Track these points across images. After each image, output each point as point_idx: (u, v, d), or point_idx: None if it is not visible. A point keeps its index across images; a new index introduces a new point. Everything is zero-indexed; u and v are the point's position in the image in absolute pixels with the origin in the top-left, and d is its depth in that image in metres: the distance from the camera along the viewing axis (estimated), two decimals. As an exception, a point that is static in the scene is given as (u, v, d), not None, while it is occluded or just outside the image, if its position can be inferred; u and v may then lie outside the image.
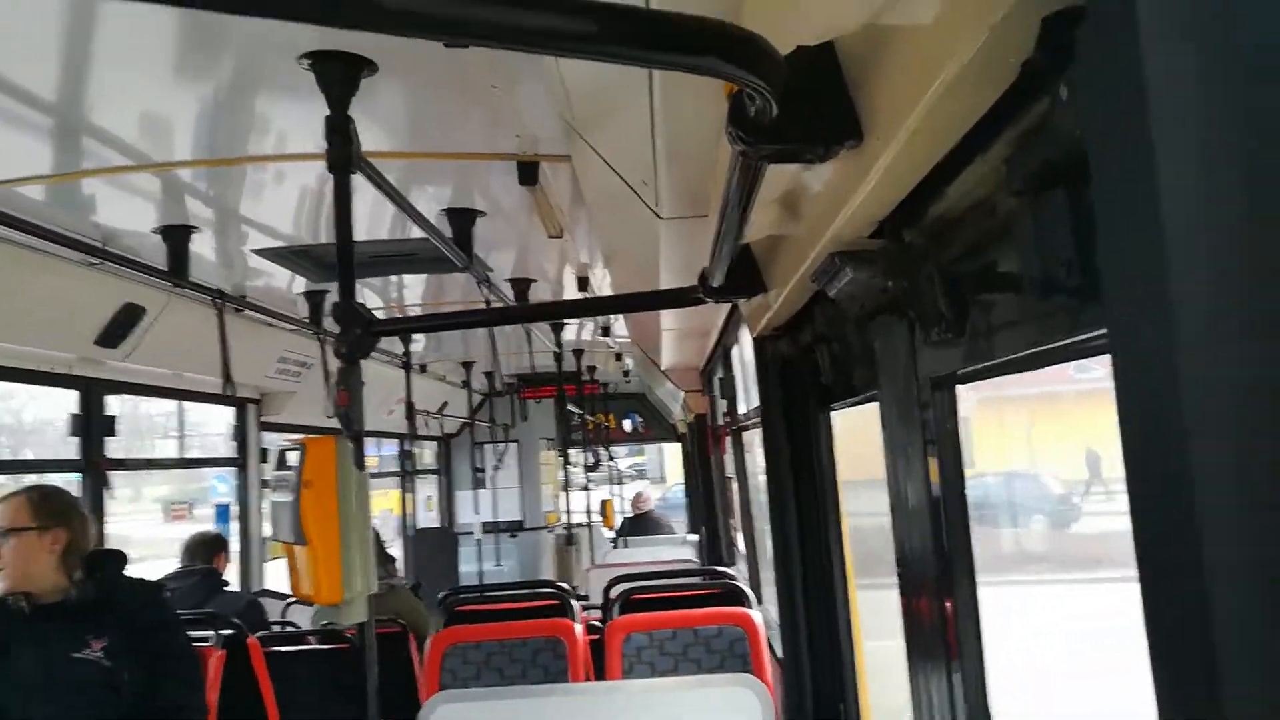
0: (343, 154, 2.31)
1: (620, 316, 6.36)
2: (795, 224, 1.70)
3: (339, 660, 4.61)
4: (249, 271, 4.49)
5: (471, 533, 9.54)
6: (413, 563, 7.54)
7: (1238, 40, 0.57)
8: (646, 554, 7.50)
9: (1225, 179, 0.55)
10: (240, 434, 6.23)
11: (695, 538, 9.63)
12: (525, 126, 2.79)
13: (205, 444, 6.95)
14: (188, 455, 6.06)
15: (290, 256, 4.21)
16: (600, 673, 4.14)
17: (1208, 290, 0.55)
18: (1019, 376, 1.21)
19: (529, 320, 5.32)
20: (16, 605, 3.03)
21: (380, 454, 9.09)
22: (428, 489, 10.99)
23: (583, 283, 4.89)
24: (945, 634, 1.57)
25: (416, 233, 3.93)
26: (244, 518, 6.26)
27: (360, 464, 2.44)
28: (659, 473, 20.84)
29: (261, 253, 4.11)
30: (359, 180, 2.45)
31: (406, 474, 8.80)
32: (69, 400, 4.66)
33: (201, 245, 3.85)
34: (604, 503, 10.99)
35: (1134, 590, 0.66)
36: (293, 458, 2.40)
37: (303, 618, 5.56)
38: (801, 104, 1.05)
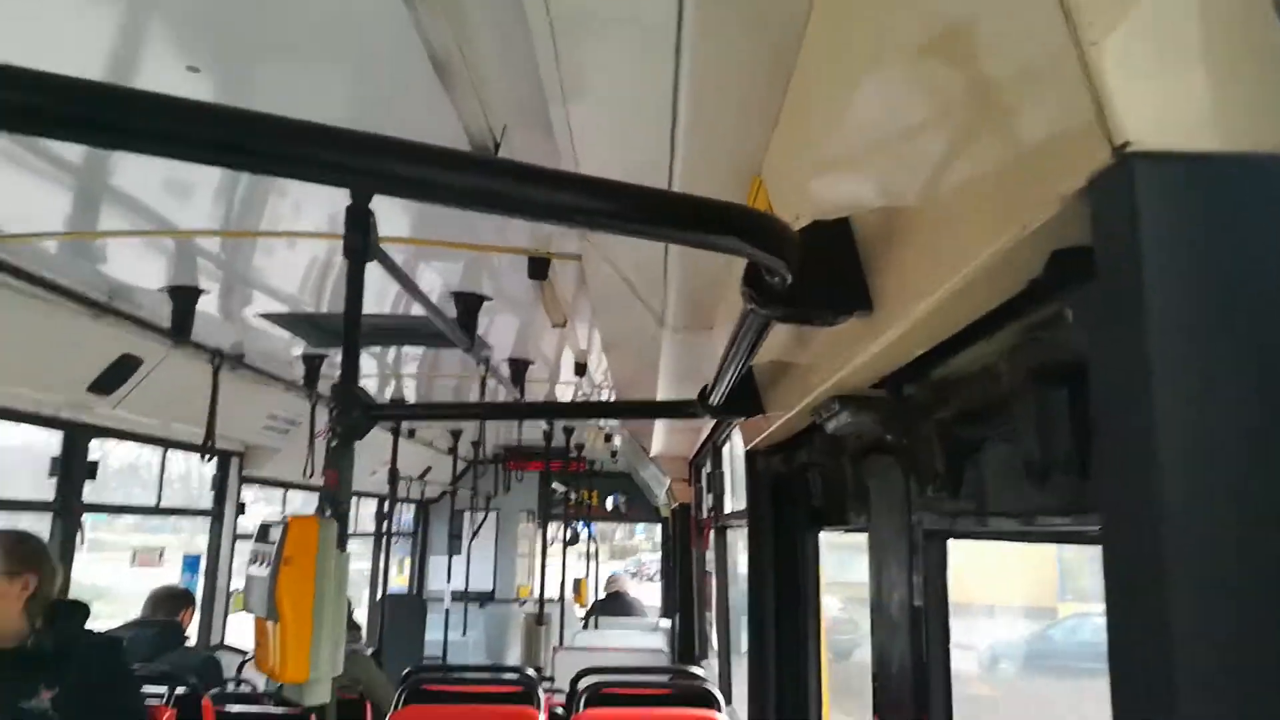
0: (360, 243, 2.36)
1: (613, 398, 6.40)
2: (800, 360, 1.74)
3: (293, 726, 4.51)
4: (249, 332, 4.53)
5: (441, 600, 9.40)
6: (379, 628, 7.41)
7: (1234, 286, 0.62)
8: (617, 637, 7.39)
9: (1221, 404, 0.59)
10: (220, 485, 6.19)
11: (667, 623, 9.50)
12: (540, 226, 2.86)
13: (178, 492, 6.89)
14: (164, 504, 5.98)
15: (293, 322, 4.25)
16: (563, 764, 4.06)
17: (1199, 500, 0.59)
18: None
19: (526, 418, 5.35)
20: None
21: (357, 514, 9.00)
22: (400, 552, 10.86)
23: (580, 368, 4.94)
24: None
25: (419, 311, 4.00)
26: (212, 569, 6.17)
27: (343, 545, 2.43)
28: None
29: (265, 317, 4.15)
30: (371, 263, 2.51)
31: (383, 535, 8.70)
32: (42, 438, 4.64)
33: (206, 305, 3.88)
34: (577, 580, 10.86)
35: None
36: (274, 532, 2.39)
37: (259, 677, 5.44)
38: (815, 274, 1.10)
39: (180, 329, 3.74)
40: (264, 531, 2.48)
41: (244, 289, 3.85)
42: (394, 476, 6.76)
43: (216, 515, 6.22)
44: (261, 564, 2.43)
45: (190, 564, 6.28)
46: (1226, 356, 0.61)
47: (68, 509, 4.61)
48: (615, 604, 9.83)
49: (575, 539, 10.23)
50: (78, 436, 4.64)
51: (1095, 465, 0.68)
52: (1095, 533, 0.99)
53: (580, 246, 2.88)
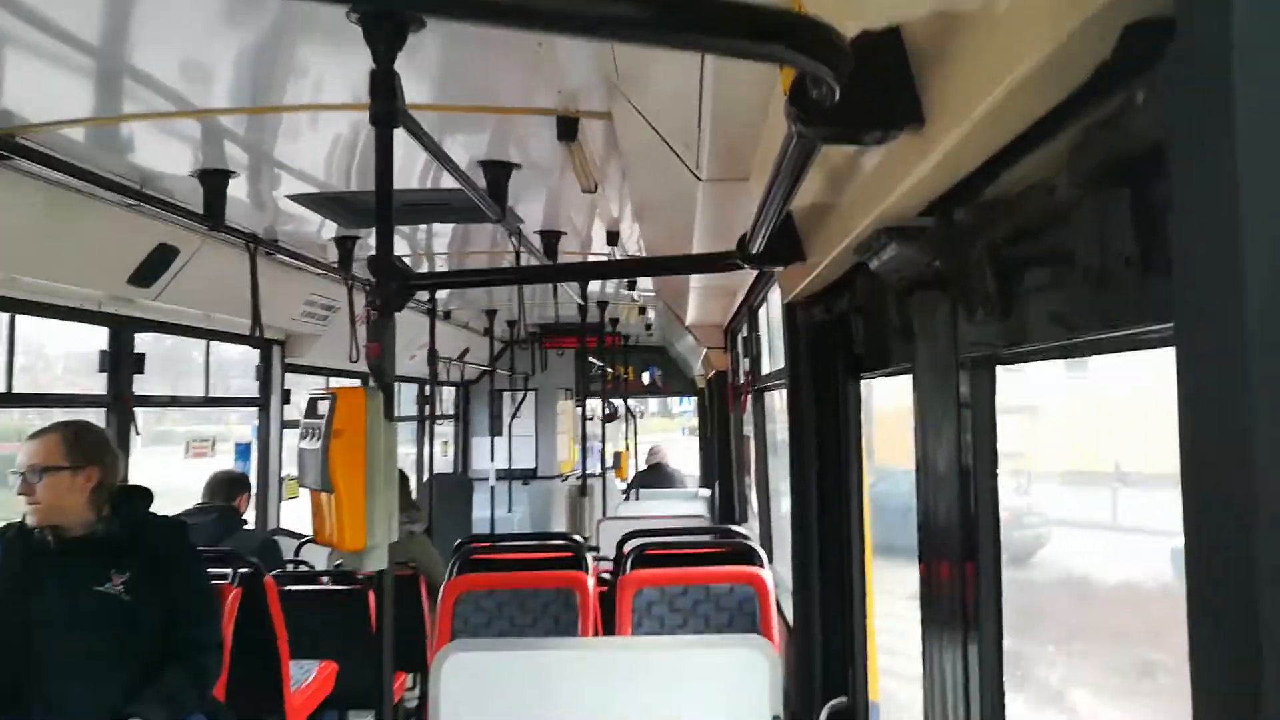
0: (386, 109, 2.31)
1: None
2: (843, 197, 1.70)
3: (350, 601, 4.72)
4: (280, 216, 4.52)
5: (486, 479, 9.66)
6: (427, 507, 7.66)
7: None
8: (659, 507, 7.58)
9: None
10: (264, 374, 6.31)
11: (707, 492, 9.72)
12: (567, 83, 2.78)
13: (227, 386, 7.05)
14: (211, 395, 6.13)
15: (323, 202, 4.23)
16: (610, 625, 4.22)
17: None
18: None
19: (561, 279, 5.34)
20: (42, 539, 3.12)
21: (399, 399, 9.19)
22: (444, 434, 11.12)
23: (612, 237, 4.90)
24: (964, 608, 1.59)
25: (450, 183, 3.95)
26: (263, 457, 6.37)
27: (390, 415, 2.47)
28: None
29: (295, 198, 4.13)
30: (397, 130, 2.46)
31: (425, 419, 8.90)
32: (92, 336, 4.73)
33: (236, 189, 3.87)
34: (618, 454, 11.09)
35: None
36: (323, 406, 2.44)
37: (316, 557, 5.68)
38: (864, 88, 1.05)
39: (213, 214, 3.74)
40: (313, 406, 2.54)
41: (272, 170, 3.82)
42: (433, 358, 6.84)
43: (263, 404, 6.37)
44: (312, 439, 2.49)
45: (242, 451, 6.48)
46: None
47: (119, 402, 4.73)
48: (655, 476, 10.05)
49: (614, 415, 10.39)
50: (122, 330, 4.73)
51: (1174, 258, 0.64)
52: (1158, 339, 0.97)
53: (609, 103, 2.81)
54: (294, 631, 4.12)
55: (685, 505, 8.03)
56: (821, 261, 2.05)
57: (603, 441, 8.72)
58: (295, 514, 6.66)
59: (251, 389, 6.42)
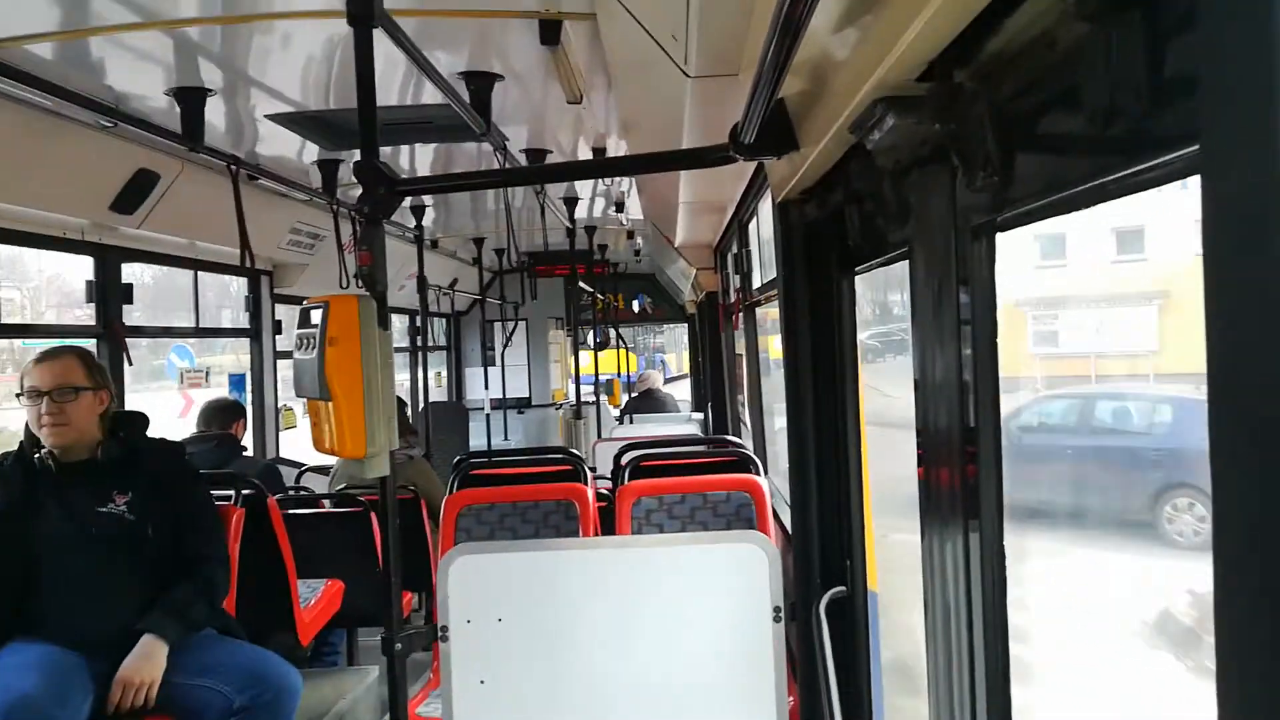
0: (364, 7, 2.25)
1: (635, 193, 6.30)
2: (835, 74, 1.67)
3: (353, 522, 4.78)
4: (261, 139, 4.44)
5: (481, 408, 9.70)
6: (425, 435, 7.71)
7: None
8: (653, 430, 7.65)
9: None
10: (254, 304, 6.28)
11: (700, 416, 9.78)
12: (549, -18, 2.71)
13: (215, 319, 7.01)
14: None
15: (304, 122, 4.15)
16: (610, 535, 4.28)
17: None
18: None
19: (554, 180, 5.28)
20: (43, 463, 3.13)
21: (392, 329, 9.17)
22: (437, 365, 11.13)
23: (598, 153, 4.83)
24: (965, 502, 1.59)
25: (430, 98, 3.87)
26: (258, 387, 6.37)
27: (384, 323, 2.47)
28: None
29: (274, 118, 4.05)
30: (376, 43, 2.40)
31: (418, 349, 8.89)
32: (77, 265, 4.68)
33: (214, 112, 3.79)
34: (609, 380, 11.13)
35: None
36: (316, 315, 2.43)
37: (317, 485, 5.73)
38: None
39: (192, 135, 3.67)
40: (305, 315, 2.52)
41: (250, 88, 3.74)
42: (422, 285, 6.82)
43: (255, 334, 6.35)
44: (307, 349, 2.49)
45: (236, 382, 6.47)
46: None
47: (110, 332, 4.71)
48: (648, 401, 10.12)
49: (605, 343, 10.38)
50: (108, 259, 4.68)
51: (1201, 71, 0.61)
52: (1172, 171, 0.96)
53: (593, 2, 2.74)
54: (299, 554, 4.18)
55: (679, 427, 8.11)
56: (815, 149, 2.02)
57: (595, 368, 8.74)
58: (293, 445, 6.70)
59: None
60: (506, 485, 4.38)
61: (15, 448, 3.23)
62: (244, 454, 5.33)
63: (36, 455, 3.15)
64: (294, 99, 3.88)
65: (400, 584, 2.49)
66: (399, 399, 5.86)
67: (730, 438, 5.83)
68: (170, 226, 4.74)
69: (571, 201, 6.48)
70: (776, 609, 2.43)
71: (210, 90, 3.61)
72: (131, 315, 4.89)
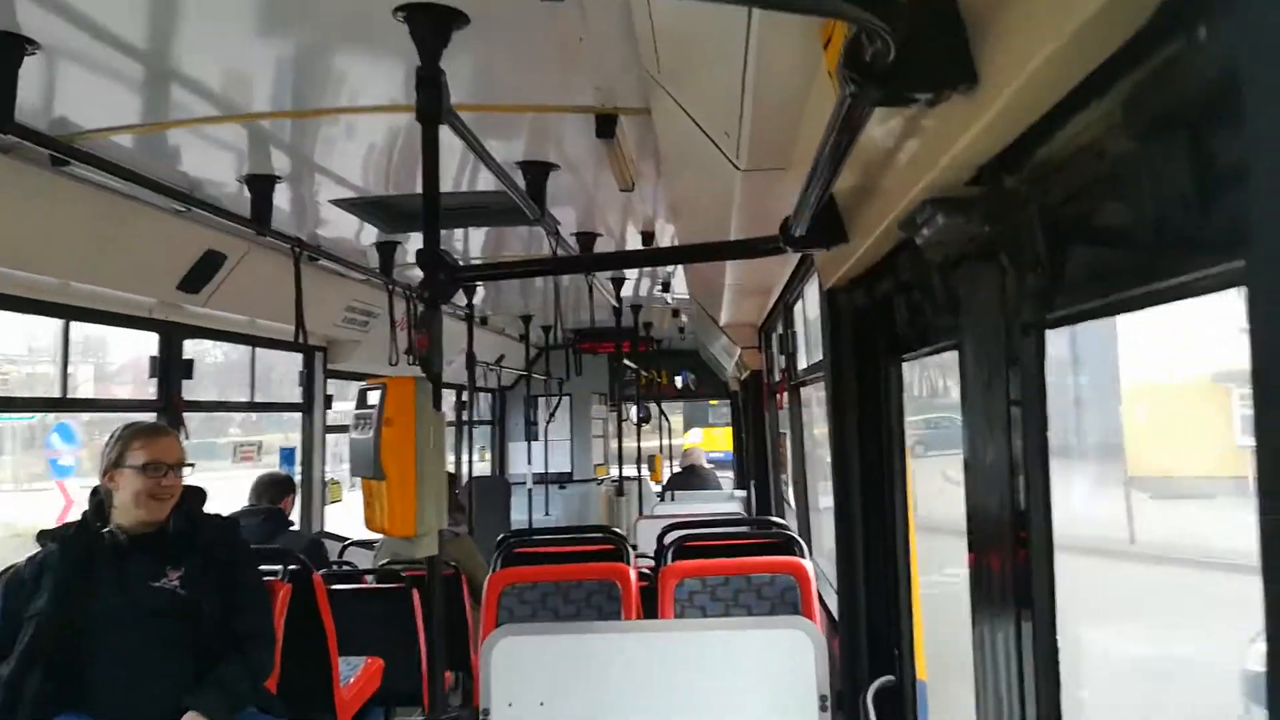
0: (433, 105, 2.37)
1: (680, 273, 6.40)
2: (886, 173, 1.73)
3: (395, 599, 4.78)
4: (323, 222, 4.62)
5: (524, 482, 9.73)
6: (469, 510, 7.75)
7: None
8: (695, 507, 7.60)
9: None
10: (308, 380, 6.42)
11: (743, 493, 9.71)
12: (605, 79, 2.83)
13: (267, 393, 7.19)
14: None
15: (365, 206, 4.32)
16: (652, 616, 4.24)
17: None
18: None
19: (606, 269, 5.41)
20: (113, 536, 3.20)
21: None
22: (481, 439, 11.22)
23: (647, 237, 4.94)
24: (1016, 592, 1.58)
25: (486, 185, 4.02)
26: (307, 461, 6.47)
27: (438, 405, 2.53)
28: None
29: (338, 203, 4.22)
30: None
31: (464, 424, 8.98)
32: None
33: (280, 196, 3.97)
34: (652, 457, 11.12)
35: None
36: (373, 396, 2.50)
37: (361, 560, 5.77)
38: (917, 47, 1.08)
39: (260, 218, 3.84)
40: (363, 397, 2.60)
41: (315, 175, 3.91)
42: (471, 361, 6.93)
43: (306, 408, 6.48)
44: (364, 429, 2.55)
45: (287, 456, 6.59)
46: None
47: (170, 406, 4.85)
48: (690, 478, 10.06)
49: (648, 418, 10.41)
50: (172, 336, 4.84)
51: (1251, 189, 0.65)
52: (1219, 281, 0.99)
53: (648, 99, 2.85)
54: (341, 630, 4.19)
55: (722, 505, 8.05)
56: (864, 243, 2.07)
57: (638, 445, 8.75)
58: (338, 518, 6.76)
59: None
60: (549, 564, 4.38)
61: (77, 519, 3.31)
62: (291, 528, 5.40)
63: (107, 529, 3.21)
64: (356, 185, 4.05)
65: (442, 664, 2.51)
66: (448, 473, 5.92)
67: (774, 518, 5.78)
68: (233, 305, 4.92)
69: (619, 281, 6.60)
70: (823, 697, 2.40)
71: (279, 177, 3.78)
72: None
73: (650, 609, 4.31)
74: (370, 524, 2.61)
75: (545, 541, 4.85)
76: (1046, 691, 1.51)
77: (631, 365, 8.35)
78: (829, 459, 2.85)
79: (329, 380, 6.60)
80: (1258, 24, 0.62)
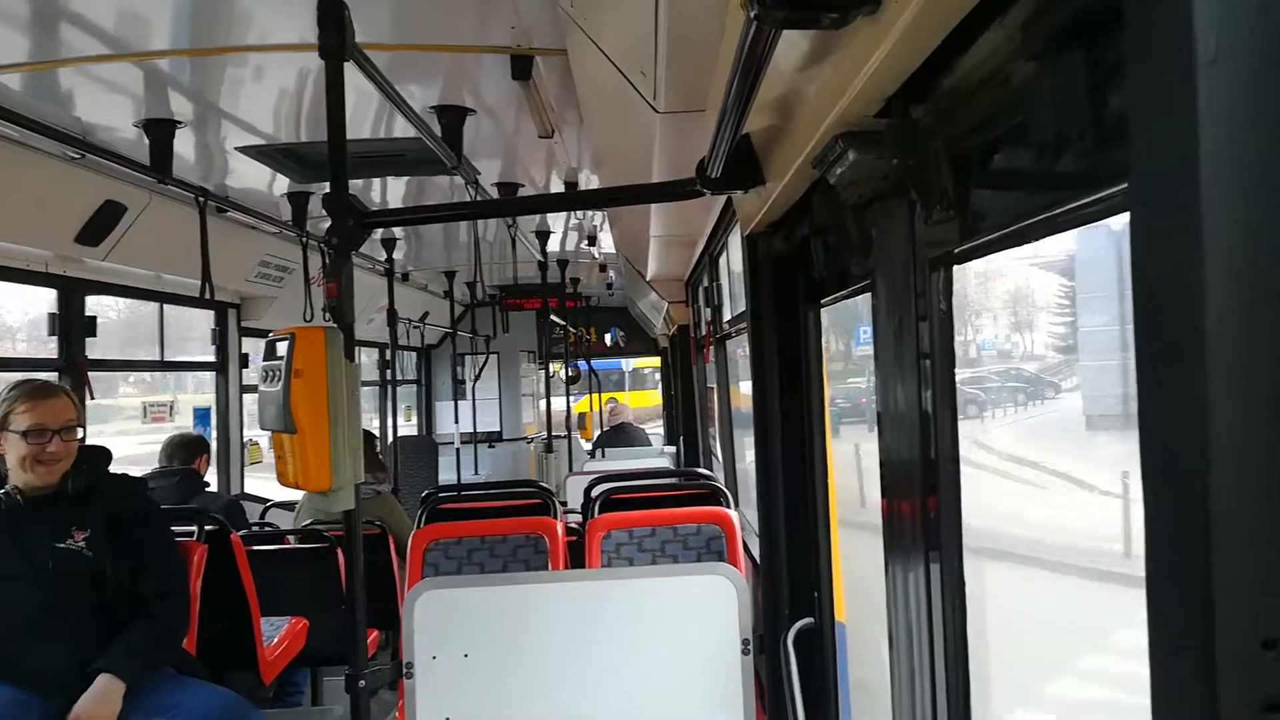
0: (336, 41, 2.27)
1: (606, 227, 6.34)
2: (798, 109, 1.70)
3: (318, 559, 4.71)
4: (231, 171, 4.43)
5: (451, 442, 9.64)
6: (393, 469, 7.65)
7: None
8: (625, 463, 7.63)
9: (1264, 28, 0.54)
10: (221, 338, 6.22)
11: (672, 449, 9.78)
12: (520, 18, 2.75)
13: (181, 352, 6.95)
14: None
15: (274, 155, 4.15)
16: (580, 568, 4.25)
17: (1236, 142, 0.55)
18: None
19: (522, 213, 5.30)
20: (11, 498, 3.07)
21: (360, 362, 9.11)
22: (407, 399, 11.06)
23: (570, 187, 4.87)
24: (925, 529, 1.61)
25: (401, 131, 3.89)
26: (223, 422, 6.29)
27: (351, 355, 2.46)
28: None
29: (245, 150, 4.05)
30: (347, 76, 2.42)
31: (387, 383, 8.83)
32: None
33: (183, 143, 3.79)
34: (582, 415, 11.11)
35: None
36: (282, 347, 2.42)
37: (282, 521, 5.65)
38: (819, -30, 1.06)
39: (161, 166, 3.66)
40: (271, 347, 2.51)
41: (220, 120, 3.74)
42: (393, 318, 6.80)
43: (220, 367, 6.28)
44: (272, 381, 2.47)
45: (201, 416, 6.39)
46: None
47: (72, 365, 4.64)
48: (620, 435, 10.09)
49: (577, 376, 10.38)
50: (72, 292, 4.63)
51: (1128, 109, 0.63)
52: (1110, 207, 0.99)
53: (564, 39, 2.78)
54: (262, 591, 4.11)
55: (651, 461, 8.09)
56: (779, 184, 2.05)
57: (568, 402, 8.72)
58: (258, 481, 6.61)
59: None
60: (475, 520, 4.34)
61: None
62: (207, 489, 5.25)
63: (3, 491, 3.09)
64: (265, 131, 3.89)
65: (366, 621, 2.46)
66: (367, 432, 5.81)
67: (701, 470, 5.83)
68: (136, 259, 4.71)
69: (544, 235, 6.51)
70: (745, 641, 2.42)
71: (180, 122, 3.61)
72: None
73: (578, 563, 4.31)
74: (283, 479, 2.54)
75: (471, 497, 4.81)
76: (954, 629, 1.53)
77: (559, 322, 8.29)
78: (752, 409, 2.86)
79: (244, 338, 6.40)
80: None
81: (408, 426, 10.96)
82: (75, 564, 3.08)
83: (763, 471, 2.74)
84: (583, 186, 4.87)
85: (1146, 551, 0.61)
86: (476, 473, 10.44)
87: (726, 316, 5.17)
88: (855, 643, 2.80)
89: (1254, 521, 0.54)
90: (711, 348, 6.07)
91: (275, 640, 4.24)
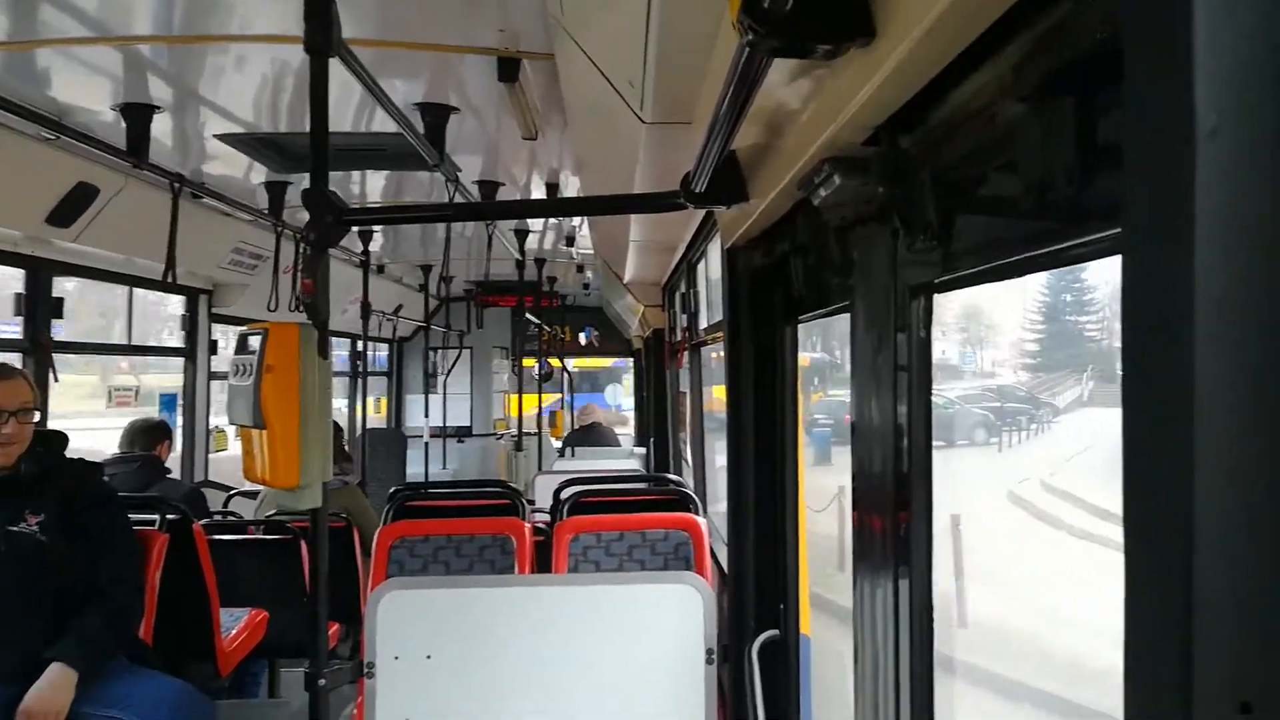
0: (322, 36, 2.26)
1: (586, 228, 6.33)
2: (787, 131, 1.71)
3: (281, 551, 4.66)
4: (208, 158, 4.38)
5: (420, 436, 9.58)
6: (361, 462, 7.59)
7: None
8: (595, 464, 7.62)
9: (1264, 85, 0.55)
10: (190, 323, 6.15)
11: (642, 451, 9.78)
12: (510, 21, 2.74)
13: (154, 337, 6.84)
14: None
15: (253, 144, 4.11)
16: (546, 571, 4.24)
17: (1232, 201, 0.56)
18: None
19: (505, 217, 5.28)
20: None
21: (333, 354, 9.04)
22: (377, 391, 10.98)
23: (551, 189, 4.86)
24: (896, 550, 1.62)
25: (384, 127, 3.87)
26: (190, 408, 6.22)
27: (324, 352, 2.44)
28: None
29: (223, 138, 4.01)
30: (331, 69, 2.40)
31: (358, 375, 8.76)
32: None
33: (160, 129, 3.74)
34: (553, 413, 11.08)
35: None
36: (254, 342, 2.39)
37: (245, 510, 5.59)
38: (812, 2, 1.06)
39: (137, 150, 3.61)
40: (243, 341, 2.48)
41: (198, 107, 3.70)
42: (365, 311, 6.75)
43: (189, 353, 6.20)
44: (243, 375, 2.44)
45: (167, 402, 6.31)
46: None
47: (37, 346, 4.57)
48: (590, 435, 10.08)
49: (549, 374, 10.36)
50: (40, 272, 4.55)
51: (1125, 155, 0.64)
52: (1097, 250, 1.00)
53: (551, 43, 2.78)
54: (223, 581, 4.06)
55: (621, 462, 8.09)
56: (763, 202, 2.06)
57: (539, 400, 8.70)
58: (223, 467, 6.53)
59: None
60: (442, 518, 4.32)
61: None
62: (168, 476, 5.18)
63: None
64: (244, 119, 3.84)
65: (327, 617, 2.44)
66: (334, 423, 5.76)
67: (671, 476, 5.83)
68: (108, 242, 4.64)
69: (522, 233, 6.49)
70: (710, 651, 2.43)
71: (158, 107, 3.56)
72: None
73: (545, 564, 4.31)
74: (249, 474, 2.51)
75: (440, 495, 4.78)
76: (920, 646, 1.55)
77: (534, 320, 8.27)
78: (726, 419, 2.87)
79: (215, 324, 6.33)
80: None
81: (377, 419, 10.89)
82: (27, 547, 3.03)
83: (734, 483, 2.75)
84: (564, 188, 4.87)
85: (1125, 616, 0.62)
86: (445, 467, 10.39)
87: (703, 324, 5.18)
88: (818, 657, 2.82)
89: (1234, 587, 0.55)
90: (686, 354, 6.08)
91: (234, 631, 4.19)
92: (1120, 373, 0.67)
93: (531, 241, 6.96)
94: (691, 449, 6.35)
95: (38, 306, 4.56)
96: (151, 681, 3.11)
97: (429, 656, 2.45)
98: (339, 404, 9.59)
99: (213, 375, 6.29)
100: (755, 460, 2.74)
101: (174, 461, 5.50)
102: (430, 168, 3.80)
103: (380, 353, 11.15)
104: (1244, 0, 0.55)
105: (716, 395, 5.85)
